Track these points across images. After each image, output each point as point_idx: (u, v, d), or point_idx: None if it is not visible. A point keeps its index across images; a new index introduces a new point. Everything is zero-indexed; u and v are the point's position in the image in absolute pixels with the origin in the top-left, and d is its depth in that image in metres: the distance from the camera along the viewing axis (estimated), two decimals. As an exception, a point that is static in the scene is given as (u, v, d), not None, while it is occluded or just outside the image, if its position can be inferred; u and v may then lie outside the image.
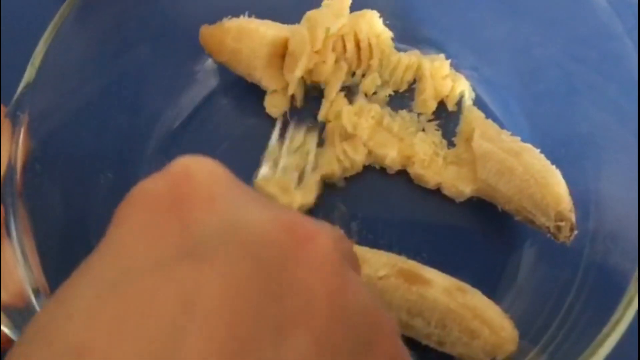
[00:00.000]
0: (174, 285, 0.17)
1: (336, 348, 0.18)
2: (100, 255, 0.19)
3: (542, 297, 0.38)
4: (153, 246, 0.18)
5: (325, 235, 0.20)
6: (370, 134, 0.44)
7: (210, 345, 0.16)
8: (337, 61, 0.46)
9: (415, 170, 0.43)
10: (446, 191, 0.43)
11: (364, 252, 0.38)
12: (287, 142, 0.45)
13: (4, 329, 0.31)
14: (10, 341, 0.31)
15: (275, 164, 0.44)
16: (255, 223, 0.19)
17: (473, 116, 0.43)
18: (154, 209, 0.19)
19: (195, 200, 0.19)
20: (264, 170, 0.44)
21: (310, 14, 0.45)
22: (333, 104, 0.45)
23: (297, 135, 0.45)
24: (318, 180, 0.43)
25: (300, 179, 0.44)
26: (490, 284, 0.40)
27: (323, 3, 0.45)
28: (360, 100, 0.46)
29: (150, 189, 0.20)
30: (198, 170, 0.20)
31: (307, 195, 0.43)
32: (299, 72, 0.44)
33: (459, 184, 0.42)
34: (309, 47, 0.43)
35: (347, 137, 0.44)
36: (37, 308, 0.32)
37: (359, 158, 0.43)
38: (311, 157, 0.44)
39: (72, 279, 0.18)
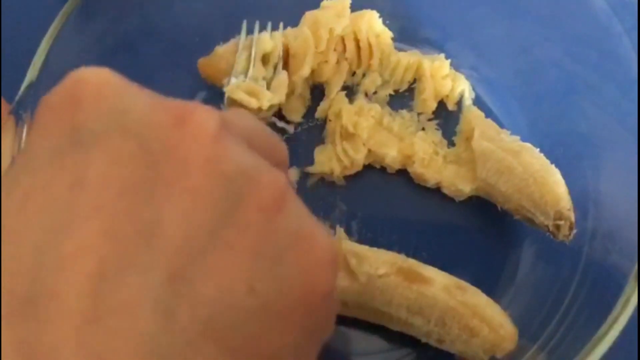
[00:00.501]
0: (64, 171, 0.19)
1: (211, 202, 0.20)
2: (14, 161, 0.22)
3: (541, 296, 0.38)
4: (47, 142, 0.21)
5: (201, 113, 0.21)
6: (370, 133, 0.44)
7: (96, 211, 0.19)
8: (338, 61, 0.46)
9: (415, 169, 0.43)
10: (446, 190, 0.43)
11: (363, 250, 0.38)
12: (254, 51, 0.44)
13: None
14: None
15: (244, 74, 0.44)
16: (139, 109, 0.21)
17: (473, 115, 0.43)
18: (51, 114, 0.21)
19: (86, 100, 0.21)
20: (232, 81, 0.43)
21: (310, 14, 0.45)
22: (333, 103, 0.46)
23: (263, 44, 0.44)
24: (286, 79, 0.43)
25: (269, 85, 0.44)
26: (490, 282, 0.40)
27: (322, 4, 0.45)
28: (360, 99, 0.46)
29: (48, 99, 0.22)
30: (89, 76, 0.22)
31: (278, 94, 0.43)
32: (305, 71, 0.44)
33: (458, 183, 0.42)
34: (313, 47, 0.43)
35: (347, 136, 0.45)
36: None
37: (359, 157, 0.44)
38: (279, 63, 0.44)
39: None
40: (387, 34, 0.47)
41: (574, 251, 0.38)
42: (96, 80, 0.22)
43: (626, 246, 0.33)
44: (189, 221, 0.20)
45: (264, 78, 0.44)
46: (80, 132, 0.20)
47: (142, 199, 0.19)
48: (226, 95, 0.42)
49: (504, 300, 0.39)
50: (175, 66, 0.47)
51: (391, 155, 0.44)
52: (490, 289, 0.39)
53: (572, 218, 0.38)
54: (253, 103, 0.42)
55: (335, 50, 0.45)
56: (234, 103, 0.42)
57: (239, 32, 0.48)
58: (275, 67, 0.44)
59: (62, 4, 0.38)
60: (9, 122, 0.35)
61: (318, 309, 0.22)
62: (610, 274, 0.34)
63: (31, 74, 0.36)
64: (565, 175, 0.40)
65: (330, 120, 0.46)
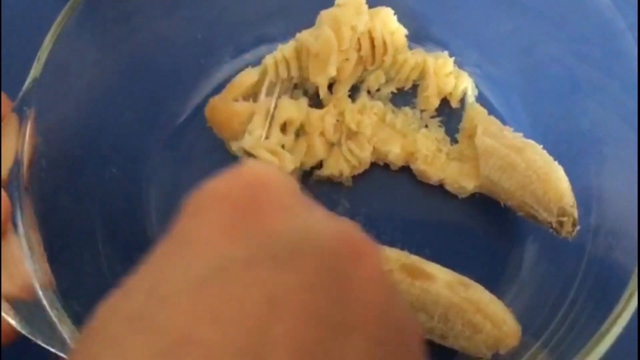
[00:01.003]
0: (261, 285, 0.19)
1: (383, 349, 0.20)
2: (179, 246, 0.21)
3: (544, 292, 0.38)
4: (238, 245, 0.20)
5: (376, 251, 0.22)
6: (373, 130, 0.44)
7: (291, 340, 0.18)
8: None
9: (418, 166, 0.43)
10: (449, 187, 0.43)
11: None
12: (275, 115, 0.44)
13: (12, 322, 0.31)
14: (15, 332, 0.31)
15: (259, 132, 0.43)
16: (322, 234, 0.21)
17: (475, 113, 0.43)
18: (232, 209, 0.21)
19: (272, 209, 0.21)
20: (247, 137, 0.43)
21: (327, 13, 0.45)
22: (336, 104, 0.46)
23: (286, 111, 0.44)
24: (305, 145, 0.44)
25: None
26: (493, 279, 0.40)
27: (337, 2, 0.45)
28: (363, 97, 0.46)
29: (224, 189, 0.22)
30: (271, 179, 0.22)
31: (296, 158, 0.43)
32: (331, 71, 0.43)
33: (461, 180, 0.42)
34: (337, 46, 0.43)
35: (351, 135, 0.45)
36: (44, 301, 0.32)
37: (365, 155, 0.44)
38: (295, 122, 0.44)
39: (155, 267, 0.20)
40: (401, 32, 0.47)
41: (577, 248, 0.37)
42: (279, 187, 0.22)
43: (629, 243, 0.33)
44: None
45: (282, 145, 0.43)
46: (270, 243, 0.20)
47: (330, 333, 0.19)
48: (244, 149, 0.42)
49: (507, 297, 0.40)
50: (181, 62, 0.47)
51: (394, 152, 0.44)
52: (494, 286, 0.39)
53: (575, 214, 0.38)
54: (275, 162, 0.41)
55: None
56: (254, 156, 0.42)
57: (242, 33, 0.48)
58: (296, 134, 0.45)
59: (66, 1, 0.38)
60: (12, 119, 0.35)
61: None
62: (613, 270, 0.34)
63: (35, 70, 0.36)
64: (568, 172, 0.40)
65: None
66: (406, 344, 0.22)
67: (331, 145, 0.45)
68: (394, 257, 0.38)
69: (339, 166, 0.44)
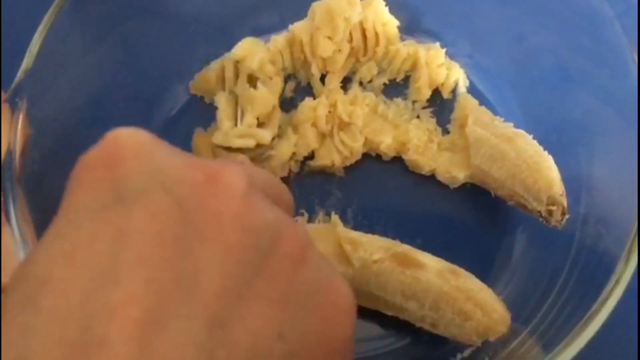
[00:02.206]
0: (109, 224, 0.21)
1: (241, 253, 0.22)
2: (56, 216, 0.23)
3: (533, 280, 0.38)
4: (90, 198, 0.22)
5: (230, 171, 0.23)
6: (365, 121, 0.44)
7: (140, 262, 0.20)
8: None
9: (409, 156, 0.44)
10: (440, 177, 0.44)
11: (358, 236, 0.39)
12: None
13: (4, 311, 0.31)
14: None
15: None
16: (172, 168, 0.23)
17: (467, 103, 0.43)
18: (90, 172, 0.23)
19: (123, 158, 0.23)
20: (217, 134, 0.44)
21: (319, 4, 0.45)
22: (329, 95, 0.46)
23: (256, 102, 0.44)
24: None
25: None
26: (484, 268, 0.41)
27: None
28: (355, 88, 0.46)
29: (87, 158, 0.24)
30: (124, 135, 0.24)
31: (288, 147, 0.44)
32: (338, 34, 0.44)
33: (452, 169, 0.43)
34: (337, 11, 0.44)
35: (343, 126, 0.45)
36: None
37: (357, 145, 0.44)
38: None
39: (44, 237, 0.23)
40: (393, 23, 0.47)
41: (566, 237, 0.38)
42: (133, 140, 0.23)
43: (617, 231, 0.33)
44: (224, 272, 0.21)
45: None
46: (121, 188, 0.22)
47: (181, 251, 0.21)
48: (217, 145, 0.43)
49: (497, 286, 0.40)
50: (173, 53, 0.47)
51: (386, 143, 0.44)
52: (484, 275, 0.39)
53: (565, 203, 0.38)
54: (251, 143, 0.42)
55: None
56: (228, 150, 0.43)
57: (235, 25, 0.48)
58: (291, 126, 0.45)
59: (57, -8, 0.38)
60: (4, 111, 0.35)
61: (339, 352, 0.24)
62: (601, 258, 0.34)
63: (27, 61, 0.36)
64: (558, 162, 0.41)
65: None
66: (272, 247, 0.23)
67: (323, 135, 0.45)
68: (385, 245, 0.38)
69: (330, 156, 0.44)
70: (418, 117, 0.46)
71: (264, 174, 0.27)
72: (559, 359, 0.29)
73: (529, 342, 0.34)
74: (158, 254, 0.20)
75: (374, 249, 0.37)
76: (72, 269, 0.20)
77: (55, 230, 0.22)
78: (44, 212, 0.35)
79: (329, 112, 0.45)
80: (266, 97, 0.44)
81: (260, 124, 0.44)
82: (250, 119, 0.43)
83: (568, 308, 0.33)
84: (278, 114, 0.45)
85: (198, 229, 0.22)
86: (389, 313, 0.38)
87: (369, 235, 0.39)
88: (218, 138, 0.43)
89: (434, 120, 0.46)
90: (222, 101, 0.45)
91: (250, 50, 0.46)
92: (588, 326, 0.29)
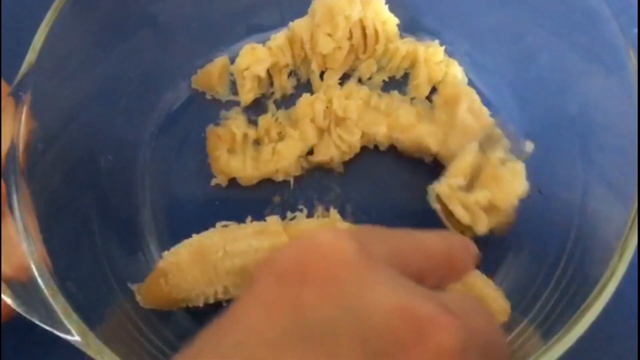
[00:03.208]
0: None
1: None
2: (228, 318, 0.20)
3: (532, 270, 0.39)
4: (271, 321, 0.19)
5: (446, 326, 0.19)
6: (359, 114, 0.45)
7: None
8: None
9: (396, 137, 0.44)
10: (414, 147, 0.44)
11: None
12: None
13: (8, 301, 0.32)
14: (13, 310, 0.31)
15: None
16: (373, 311, 0.19)
17: (464, 87, 0.43)
18: (276, 281, 0.20)
19: (316, 280, 0.19)
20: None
21: (320, 2, 0.45)
22: (326, 91, 0.46)
23: None
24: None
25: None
26: (483, 259, 0.41)
27: None
28: (350, 83, 0.47)
29: (277, 260, 0.20)
30: (324, 244, 0.20)
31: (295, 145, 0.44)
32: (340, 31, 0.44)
33: (427, 140, 0.43)
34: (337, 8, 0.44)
35: (338, 122, 0.45)
36: (40, 282, 0.32)
37: (355, 139, 0.44)
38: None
39: (204, 341, 0.20)
40: (393, 21, 0.47)
41: (564, 227, 0.38)
42: (330, 252, 0.20)
43: (615, 224, 0.34)
44: None
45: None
46: (303, 322, 0.19)
47: None
48: (436, 196, 0.40)
49: (496, 276, 0.40)
50: (176, 49, 0.48)
51: (381, 132, 0.44)
52: (483, 265, 0.39)
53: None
54: (466, 220, 0.38)
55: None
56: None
57: (236, 23, 0.49)
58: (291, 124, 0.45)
59: (62, -13, 0.38)
60: (8, 104, 0.35)
61: None
62: (598, 248, 0.34)
63: (31, 55, 0.36)
64: (556, 159, 0.41)
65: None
66: None
67: (322, 131, 0.45)
68: None
69: (329, 152, 0.45)
70: (412, 99, 0.47)
71: (484, 323, 0.22)
72: (557, 347, 0.29)
73: (528, 331, 0.34)
74: None
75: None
76: None
77: (217, 343, 0.19)
78: (47, 205, 0.36)
79: (327, 107, 0.45)
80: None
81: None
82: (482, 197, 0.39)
83: (566, 297, 0.33)
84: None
85: None
86: None
87: None
88: (443, 189, 0.39)
89: (427, 105, 0.46)
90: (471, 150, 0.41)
91: (253, 57, 0.46)
92: (586, 314, 0.30)
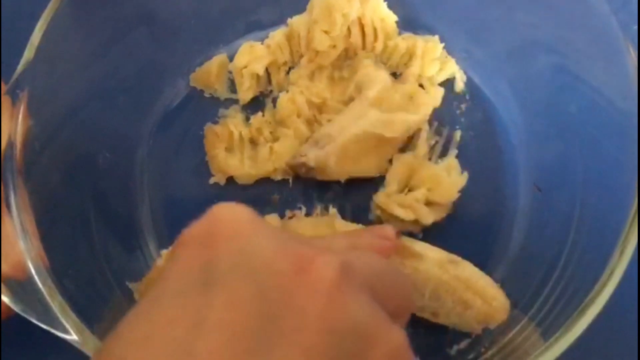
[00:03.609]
0: (189, 309, 0.21)
1: (320, 357, 0.21)
2: (152, 291, 0.23)
3: (533, 267, 0.39)
4: (179, 279, 0.22)
5: (323, 261, 0.22)
6: (331, 89, 0.46)
7: (211, 354, 0.20)
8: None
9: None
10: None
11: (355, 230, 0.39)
12: None
13: (5, 299, 0.31)
14: (10, 309, 0.31)
15: None
16: (263, 254, 0.22)
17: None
18: (190, 247, 0.23)
19: (219, 238, 0.23)
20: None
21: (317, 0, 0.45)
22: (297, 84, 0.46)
23: None
24: None
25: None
26: (483, 256, 0.41)
27: None
28: (308, 66, 0.46)
29: (187, 233, 0.24)
30: (225, 213, 0.24)
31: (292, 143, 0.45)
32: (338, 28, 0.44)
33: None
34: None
35: (321, 108, 0.45)
36: (37, 280, 0.32)
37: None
38: None
39: (133, 315, 0.22)
40: (391, 18, 0.47)
41: (565, 224, 0.38)
42: (232, 219, 0.23)
43: (615, 221, 0.34)
44: None
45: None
46: (209, 271, 0.22)
47: (255, 346, 0.20)
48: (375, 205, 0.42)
49: (496, 273, 0.40)
50: (174, 47, 0.47)
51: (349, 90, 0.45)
52: (483, 262, 0.39)
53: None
54: (410, 217, 0.40)
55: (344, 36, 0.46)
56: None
57: (234, 20, 0.49)
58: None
59: (59, -16, 0.38)
60: (5, 103, 0.35)
61: None
62: (599, 245, 0.34)
63: (28, 53, 0.36)
64: (555, 156, 0.41)
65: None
66: (361, 354, 0.22)
67: (311, 122, 0.45)
68: None
69: None
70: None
71: (377, 265, 0.25)
72: (558, 345, 0.29)
73: (528, 329, 0.34)
74: (232, 347, 0.20)
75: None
76: (146, 353, 0.20)
77: (142, 307, 0.22)
78: (44, 203, 0.36)
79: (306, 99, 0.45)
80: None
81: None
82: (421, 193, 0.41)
83: (566, 295, 0.33)
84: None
85: (277, 325, 0.21)
86: None
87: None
88: (380, 198, 0.41)
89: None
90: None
91: (252, 55, 0.46)
92: (586, 312, 0.29)
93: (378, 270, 0.25)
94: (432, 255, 0.37)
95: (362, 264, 0.24)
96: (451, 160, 0.43)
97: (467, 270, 0.37)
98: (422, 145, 0.44)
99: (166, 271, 0.23)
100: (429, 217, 0.40)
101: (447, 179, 0.41)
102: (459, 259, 0.37)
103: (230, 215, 0.24)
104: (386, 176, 0.42)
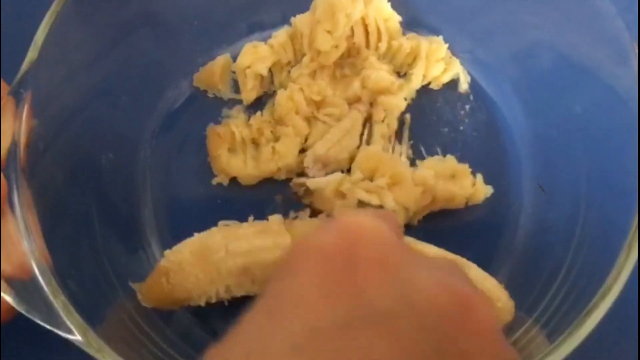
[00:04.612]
0: (356, 349, 0.19)
1: None
2: (281, 304, 0.21)
3: (537, 268, 0.39)
4: (334, 306, 0.20)
5: (484, 304, 0.22)
6: (332, 86, 0.46)
7: None
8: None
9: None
10: None
11: None
12: None
13: (9, 299, 0.31)
14: (14, 310, 0.31)
15: None
16: (423, 289, 0.21)
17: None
18: (330, 266, 0.21)
19: (368, 263, 0.21)
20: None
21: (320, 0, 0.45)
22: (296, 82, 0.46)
23: None
24: None
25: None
26: (487, 257, 0.41)
27: None
28: (310, 65, 0.46)
29: (324, 244, 0.21)
30: (366, 232, 0.22)
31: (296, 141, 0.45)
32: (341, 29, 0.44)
33: None
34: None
35: (320, 105, 0.45)
36: (40, 280, 0.32)
37: (340, 110, 0.45)
38: None
39: (254, 328, 0.20)
40: (395, 18, 0.47)
41: (569, 226, 0.38)
42: (376, 238, 0.22)
43: (619, 222, 0.34)
44: None
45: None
46: (366, 303, 0.20)
47: None
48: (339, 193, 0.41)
49: (501, 274, 0.40)
50: (177, 47, 0.47)
51: (356, 88, 0.45)
52: (487, 263, 0.39)
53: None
54: (375, 202, 0.40)
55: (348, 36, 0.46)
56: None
57: (237, 20, 0.49)
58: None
59: (63, -16, 0.38)
60: (9, 103, 0.35)
61: None
62: (604, 247, 0.34)
63: (32, 53, 0.36)
64: (560, 156, 0.41)
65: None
66: None
67: (309, 119, 0.45)
68: None
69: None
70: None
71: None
72: (563, 347, 0.29)
73: (532, 330, 0.34)
74: None
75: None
76: None
77: (284, 331, 0.20)
78: (48, 203, 0.35)
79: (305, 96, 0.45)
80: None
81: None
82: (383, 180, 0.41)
83: (572, 296, 0.33)
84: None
85: None
86: None
87: None
88: (345, 185, 0.41)
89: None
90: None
91: (255, 55, 0.46)
92: (592, 315, 0.29)
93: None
94: (434, 255, 0.37)
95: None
96: (464, 167, 0.43)
97: (471, 271, 0.36)
98: (378, 141, 0.43)
99: (303, 289, 0.21)
100: (391, 200, 0.39)
101: (410, 181, 0.40)
102: (463, 260, 0.37)
103: (372, 232, 0.22)
104: (351, 166, 0.42)
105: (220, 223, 0.40)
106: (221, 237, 0.38)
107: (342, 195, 0.40)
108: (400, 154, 0.45)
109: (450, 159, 0.44)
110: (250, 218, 0.41)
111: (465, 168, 0.43)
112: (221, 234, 0.39)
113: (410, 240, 0.38)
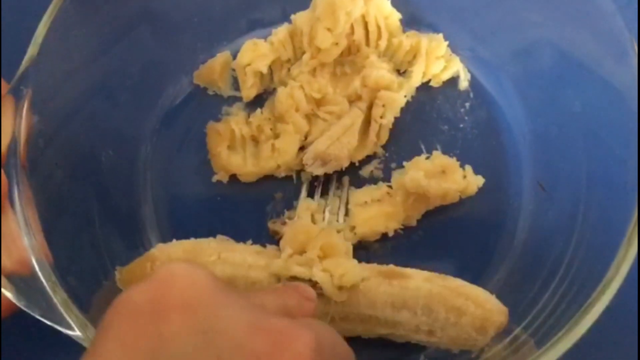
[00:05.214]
0: None
1: None
2: (86, 354, 0.21)
3: (530, 276, 0.39)
4: (129, 356, 0.20)
5: (300, 339, 0.21)
6: (333, 84, 0.46)
7: None
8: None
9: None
10: None
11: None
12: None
13: (9, 295, 0.31)
14: (13, 305, 0.31)
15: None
16: (232, 331, 0.20)
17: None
18: (134, 319, 0.21)
19: (174, 310, 0.20)
20: None
21: None
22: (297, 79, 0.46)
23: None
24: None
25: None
26: (486, 255, 0.41)
27: None
28: (311, 62, 0.46)
29: (132, 298, 0.21)
30: (179, 276, 0.21)
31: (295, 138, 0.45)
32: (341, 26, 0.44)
33: None
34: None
35: (320, 103, 0.45)
36: (40, 275, 0.32)
37: (340, 107, 0.45)
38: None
39: None
40: (395, 16, 0.47)
41: (565, 231, 0.38)
42: (185, 283, 0.21)
43: (616, 227, 0.34)
44: None
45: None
46: (163, 350, 0.20)
47: None
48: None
49: (494, 281, 0.40)
50: (177, 45, 0.47)
51: (356, 86, 0.45)
52: (482, 269, 0.40)
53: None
54: (307, 275, 0.37)
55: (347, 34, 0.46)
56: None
57: (237, 17, 0.49)
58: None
59: (62, -18, 0.38)
60: (8, 100, 0.35)
61: None
62: (601, 249, 0.34)
63: (32, 50, 0.36)
64: (558, 155, 0.41)
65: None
66: None
67: (309, 117, 0.45)
68: (370, 267, 0.38)
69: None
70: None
71: (331, 335, 0.25)
72: (562, 343, 0.29)
73: (522, 337, 0.34)
74: None
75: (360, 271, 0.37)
76: None
77: None
78: (48, 199, 0.36)
79: (305, 93, 0.45)
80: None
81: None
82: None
83: (572, 291, 0.33)
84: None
85: None
86: (383, 332, 0.37)
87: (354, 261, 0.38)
88: (277, 264, 0.38)
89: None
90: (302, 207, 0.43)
91: (255, 52, 0.46)
92: (592, 309, 0.29)
93: (333, 343, 0.25)
94: (419, 274, 0.37)
95: (324, 332, 0.24)
96: (452, 161, 0.43)
97: (457, 281, 0.36)
98: (305, 214, 0.42)
99: (105, 337, 0.21)
100: (320, 273, 0.36)
101: (342, 251, 0.38)
102: (447, 276, 0.37)
103: (184, 278, 0.21)
104: (280, 244, 0.40)
105: (219, 236, 0.41)
106: (217, 244, 0.39)
107: (277, 277, 0.38)
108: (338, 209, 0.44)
109: (437, 155, 0.44)
110: (249, 242, 0.41)
111: (453, 162, 0.43)
112: (218, 242, 0.39)
113: (392, 267, 0.38)
